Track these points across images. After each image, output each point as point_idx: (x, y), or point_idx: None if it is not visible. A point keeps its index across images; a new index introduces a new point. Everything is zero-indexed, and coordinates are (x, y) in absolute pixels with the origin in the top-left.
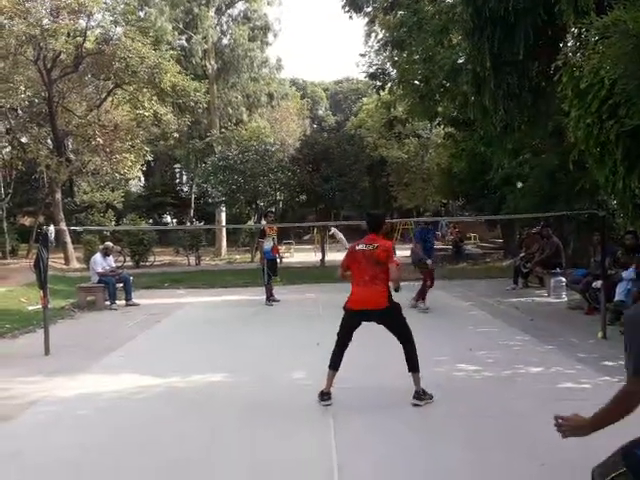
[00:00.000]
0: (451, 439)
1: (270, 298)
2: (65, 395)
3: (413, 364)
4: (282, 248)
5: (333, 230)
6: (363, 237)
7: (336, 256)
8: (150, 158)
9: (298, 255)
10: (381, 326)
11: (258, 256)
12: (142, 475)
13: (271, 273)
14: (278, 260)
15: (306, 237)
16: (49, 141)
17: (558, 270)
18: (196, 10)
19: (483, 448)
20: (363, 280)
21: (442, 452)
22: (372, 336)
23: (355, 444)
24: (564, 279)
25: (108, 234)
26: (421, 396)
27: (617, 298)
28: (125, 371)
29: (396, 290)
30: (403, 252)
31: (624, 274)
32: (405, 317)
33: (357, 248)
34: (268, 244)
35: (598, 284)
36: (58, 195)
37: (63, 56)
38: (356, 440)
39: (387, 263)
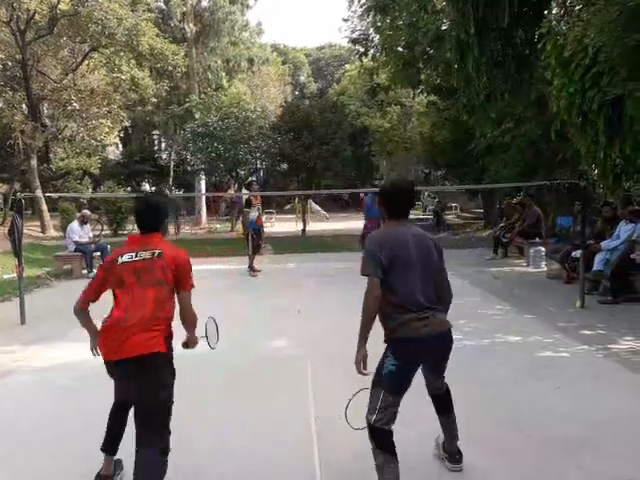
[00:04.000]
0: (430, 407)
1: (252, 267)
2: (42, 364)
3: None
4: (263, 218)
5: (312, 206)
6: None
7: (317, 226)
8: (127, 124)
9: (279, 225)
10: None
11: (239, 226)
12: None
13: (255, 243)
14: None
15: (287, 207)
16: (24, 106)
17: (538, 240)
18: None
19: (462, 416)
20: None
21: (421, 419)
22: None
23: (334, 412)
24: (543, 249)
25: (85, 202)
26: None
27: (595, 268)
28: None
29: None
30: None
31: (603, 244)
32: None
33: None
34: (253, 214)
35: (577, 254)
36: (33, 161)
37: (37, 17)
38: (335, 408)
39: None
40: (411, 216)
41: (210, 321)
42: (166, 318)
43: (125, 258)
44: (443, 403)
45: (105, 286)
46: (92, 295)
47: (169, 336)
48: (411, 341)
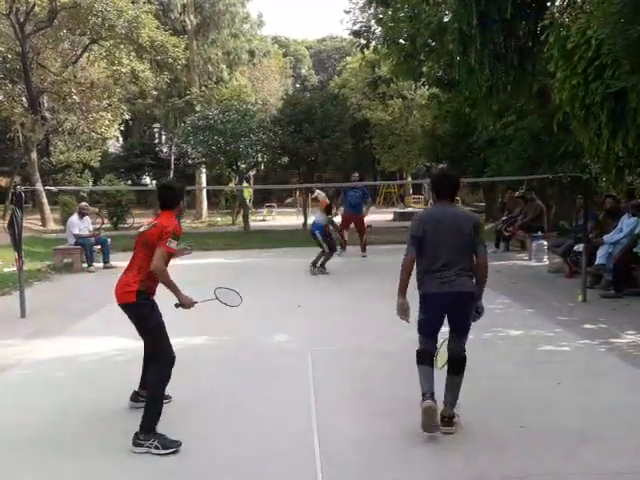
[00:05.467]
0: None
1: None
2: (42, 358)
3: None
4: (264, 211)
5: (316, 192)
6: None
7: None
8: (128, 117)
9: (280, 218)
10: (361, 286)
11: (239, 219)
12: (121, 437)
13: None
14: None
15: (288, 200)
16: (24, 99)
17: (540, 234)
18: None
19: (463, 409)
20: None
21: (418, 412)
22: (351, 298)
23: (334, 404)
24: (545, 242)
25: (85, 195)
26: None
27: (598, 262)
28: (104, 333)
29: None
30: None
31: (605, 238)
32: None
33: None
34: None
35: (580, 247)
36: (34, 155)
37: (37, 9)
38: (335, 400)
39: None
40: (410, 209)
41: (220, 292)
42: (141, 272)
43: (141, 229)
44: (455, 366)
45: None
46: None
47: (142, 290)
48: (431, 295)
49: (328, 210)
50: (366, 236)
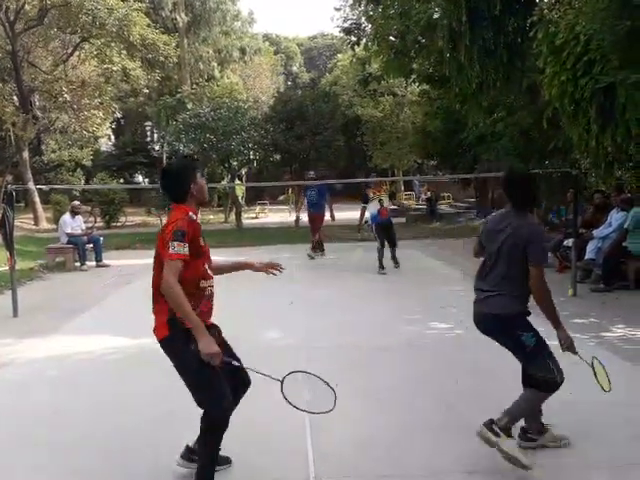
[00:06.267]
0: (424, 396)
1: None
2: (36, 357)
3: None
4: (257, 209)
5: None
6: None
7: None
8: (119, 115)
9: (273, 215)
10: (355, 283)
11: (232, 217)
12: (115, 435)
13: (381, 238)
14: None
15: (281, 197)
16: (14, 98)
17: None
18: None
19: (455, 405)
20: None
21: (415, 408)
22: (347, 294)
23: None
24: None
25: (77, 194)
26: None
27: (587, 256)
28: (96, 332)
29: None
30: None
31: (595, 232)
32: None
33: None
34: (374, 207)
35: (569, 242)
36: (25, 154)
37: (27, 7)
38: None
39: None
40: (412, 204)
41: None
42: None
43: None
44: (525, 380)
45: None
46: None
47: (173, 318)
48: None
49: (392, 195)
50: (318, 237)
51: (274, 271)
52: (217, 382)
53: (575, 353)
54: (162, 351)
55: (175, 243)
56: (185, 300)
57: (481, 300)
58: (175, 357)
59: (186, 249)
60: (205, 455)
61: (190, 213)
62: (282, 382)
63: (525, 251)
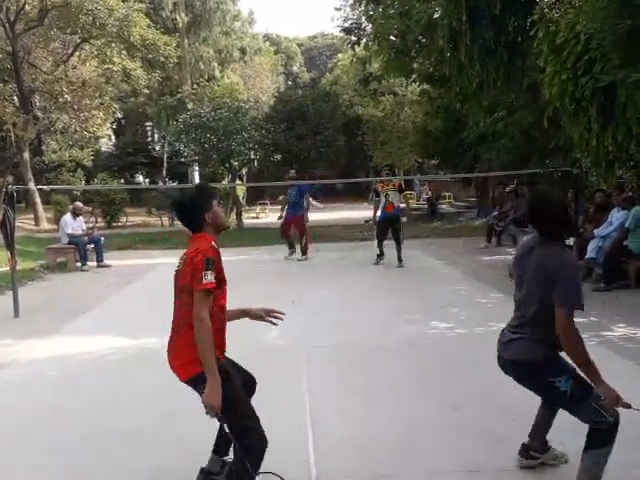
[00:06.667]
0: (424, 395)
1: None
2: (36, 357)
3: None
4: (257, 209)
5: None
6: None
7: (311, 216)
8: (120, 116)
9: (274, 215)
10: (356, 282)
11: (232, 217)
12: (115, 435)
13: (380, 233)
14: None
15: (281, 197)
16: (15, 98)
17: (531, 228)
18: None
19: (455, 404)
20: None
21: (416, 408)
22: (347, 293)
23: (328, 401)
24: None
25: (78, 194)
26: None
27: (588, 255)
28: (97, 333)
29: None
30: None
31: (596, 231)
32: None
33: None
34: (381, 202)
35: (570, 241)
36: (26, 154)
37: (27, 8)
38: (329, 397)
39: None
40: (403, 205)
41: None
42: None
43: (175, 267)
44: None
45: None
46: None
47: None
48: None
49: (401, 189)
50: (306, 238)
51: (273, 319)
52: (252, 411)
53: (628, 407)
54: (162, 351)
55: (208, 272)
56: (211, 338)
57: (503, 342)
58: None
59: (212, 277)
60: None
61: (212, 242)
62: None
63: (551, 288)
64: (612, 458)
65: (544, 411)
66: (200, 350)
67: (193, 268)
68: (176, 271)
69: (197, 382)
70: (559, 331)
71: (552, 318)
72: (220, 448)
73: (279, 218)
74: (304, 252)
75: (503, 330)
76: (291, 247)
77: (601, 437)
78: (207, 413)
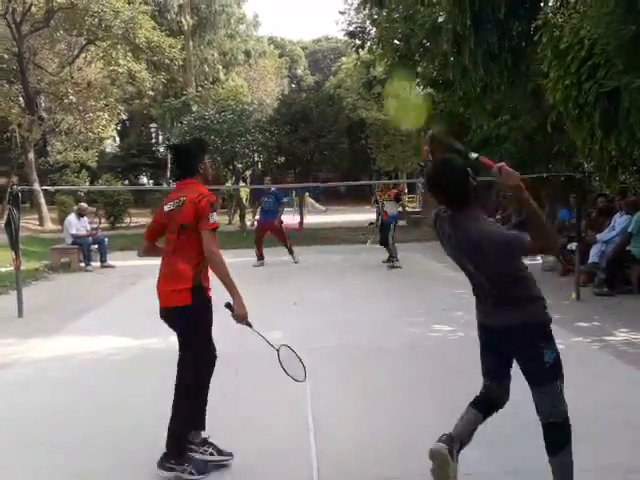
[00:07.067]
0: (426, 398)
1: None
2: (40, 357)
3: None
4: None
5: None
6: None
7: (315, 219)
8: (125, 117)
9: None
10: (358, 284)
11: (236, 219)
12: (116, 435)
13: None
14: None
15: (284, 200)
16: (21, 99)
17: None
18: None
19: (457, 407)
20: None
21: (417, 410)
22: (349, 295)
23: (330, 402)
24: None
25: (83, 195)
26: None
27: (591, 260)
28: (100, 333)
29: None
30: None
31: (598, 236)
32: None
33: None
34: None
35: (573, 246)
36: (31, 155)
37: (34, 9)
38: (331, 398)
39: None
40: (407, 209)
41: (285, 353)
42: (191, 265)
43: (166, 208)
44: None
45: (158, 229)
46: (147, 234)
47: (197, 286)
48: None
49: (397, 199)
50: (289, 242)
51: None
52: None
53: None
54: (164, 352)
55: (214, 214)
56: (226, 266)
57: (491, 315)
58: (191, 321)
59: (216, 218)
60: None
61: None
62: (278, 351)
63: (498, 254)
64: (610, 462)
65: (473, 417)
66: (219, 276)
67: (198, 210)
68: (169, 211)
69: (182, 310)
70: None
71: (518, 279)
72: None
73: (252, 225)
74: (292, 253)
75: (481, 315)
76: (261, 257)
77: (558, 433)
78: (238, 322)
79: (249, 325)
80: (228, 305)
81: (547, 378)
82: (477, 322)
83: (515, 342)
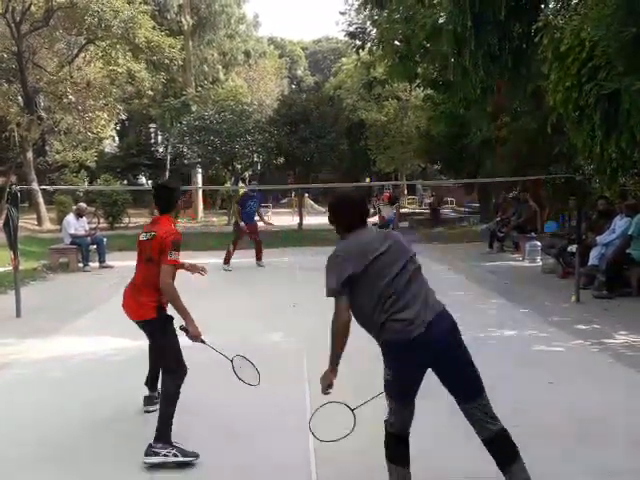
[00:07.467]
0: (423, 401)
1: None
2: (38, 357)
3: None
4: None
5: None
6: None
7: (314, 220)
8: (124, 117)
9: (276, 219)
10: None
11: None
12: (116, 436)
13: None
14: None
15: (284, 201)
16: (19, 98)
17: (533, 234)
18: None
19: (456, 409)
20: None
21: (416, 412)
22: None
23: (329, 404)
24: (539, 243)
25: (81, 194)
26: None
27: (591, 262)
28: (99, 333)
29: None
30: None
31: (598, 239)
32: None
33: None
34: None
35: (573, 248)
36: (29, 154)
37: (33, 9)
38: (330, 399)
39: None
40: (406, 210)
41: (238, 361)
42: (156, 290)
43: (141, 237)
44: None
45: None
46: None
47: (160, 305)
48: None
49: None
50: (233, 248)
51: (197, 273)
52: (181, 355)
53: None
54: None
55: (174, 252)
56: (178, 295)
57: (430, 321)
58: (158, 333)
59: (176, 256)
60: (162, 416)
61: (174, 225)
62: (232, 361)
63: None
64: (610, 465)
65: None
66: (173, 305)
67: (161, 245)
68: (142, 240)
69: (148, 324)
70: None
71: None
72: (153, 385)
73: (235, 225)
74: (260, 257)
75: (413, 318)
76: (228, 262)
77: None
78: (194, 341)
79: (203, 342)
80: (182, 328)
81: None
82: None
83: None
